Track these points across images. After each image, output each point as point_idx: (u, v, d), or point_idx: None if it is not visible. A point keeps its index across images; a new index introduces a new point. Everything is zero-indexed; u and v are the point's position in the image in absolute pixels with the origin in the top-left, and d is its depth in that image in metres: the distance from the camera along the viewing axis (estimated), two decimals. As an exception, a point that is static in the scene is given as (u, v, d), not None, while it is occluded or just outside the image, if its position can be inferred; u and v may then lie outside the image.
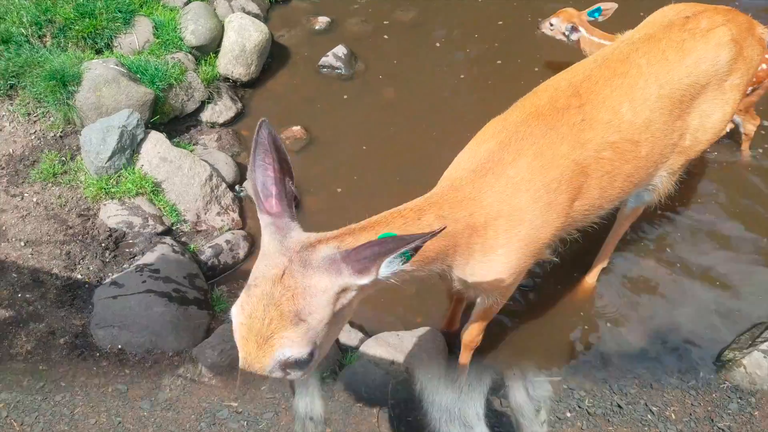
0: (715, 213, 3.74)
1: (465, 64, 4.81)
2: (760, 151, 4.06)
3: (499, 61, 4.79)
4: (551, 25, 4.23)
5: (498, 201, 1.98)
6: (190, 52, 4.34)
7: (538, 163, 2.02)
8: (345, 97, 4.57)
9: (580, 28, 4.07)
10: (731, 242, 3.58)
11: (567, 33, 4.12)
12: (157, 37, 4.25)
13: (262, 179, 1.51)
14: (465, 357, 2.83)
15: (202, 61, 4.38)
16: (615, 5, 4.03)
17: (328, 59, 4.75)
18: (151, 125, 3.82)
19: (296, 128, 4.25)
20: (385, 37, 5.09)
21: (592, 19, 4.10)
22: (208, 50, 4.42)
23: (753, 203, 3.82)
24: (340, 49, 4.79)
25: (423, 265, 1.88)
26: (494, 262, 2.06)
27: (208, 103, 4.23)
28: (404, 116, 4.40)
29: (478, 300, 2.41)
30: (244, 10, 4.95)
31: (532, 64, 4.72)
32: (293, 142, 4.20)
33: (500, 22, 5.13)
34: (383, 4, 5.35)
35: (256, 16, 4.98)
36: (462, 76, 4.71)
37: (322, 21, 5.17)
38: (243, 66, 4.44)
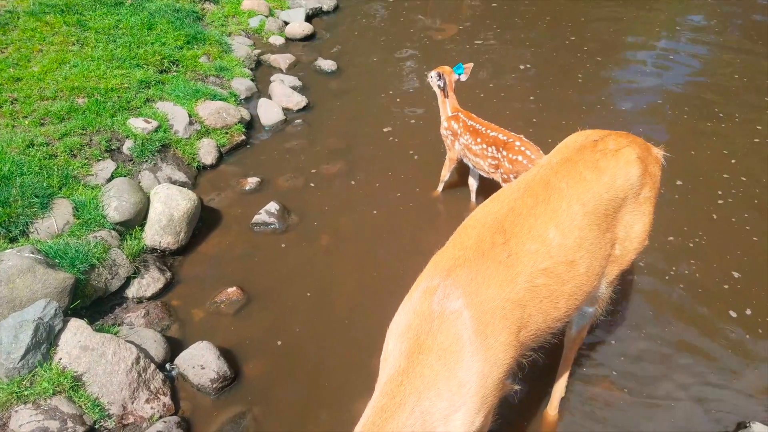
0: (653, 322, 3.76)
1: (387, 201, 4.98)
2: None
3: (398, 194, 5.06)
4: (431, 77, 4.65)
5: (438, 375, 1.96)
6: (114, 229, 4.20)
7: (468, 315, 2.01)
8: (283, 245, 4.51)
9: (444, 79, 4.59)
10: (674, 353, 3.57)
11: (435, 79, 4.61)
12: (78, 218, 4.11)
13: None
14: None
15: (127, 236, 4.23)
16: (472, 64, 4.64)
17: (261, 216, 4.74)
18: (71, 311, 3.54)
19: (231, 289, 4.06)
20: (312, 185, 5.21)
21: (457, 76, 4.61)
22: (134, 224, 4.31)
23: (695, 303, 3.88)
24: (272, 206, 4.81)
25: None
26: (457, 423, 2.01)
27: (134, 277, 4.01)
28: (342, 260, 4.37)
29: None
30: (170, 180, 4.97)
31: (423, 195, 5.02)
32: (228, 305, 3.97)
33: (414, 155, 5.47)
34: (310, 160, 5.55)
35: (183, 184, 4.99)
36: (375, 212, 4.85)
37: (251, 181, 5.25)
38: (171, 235, 4.33)
